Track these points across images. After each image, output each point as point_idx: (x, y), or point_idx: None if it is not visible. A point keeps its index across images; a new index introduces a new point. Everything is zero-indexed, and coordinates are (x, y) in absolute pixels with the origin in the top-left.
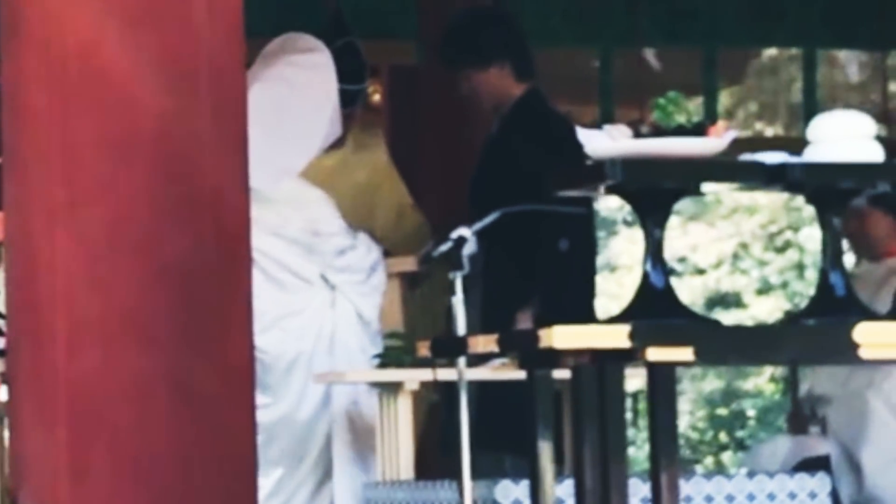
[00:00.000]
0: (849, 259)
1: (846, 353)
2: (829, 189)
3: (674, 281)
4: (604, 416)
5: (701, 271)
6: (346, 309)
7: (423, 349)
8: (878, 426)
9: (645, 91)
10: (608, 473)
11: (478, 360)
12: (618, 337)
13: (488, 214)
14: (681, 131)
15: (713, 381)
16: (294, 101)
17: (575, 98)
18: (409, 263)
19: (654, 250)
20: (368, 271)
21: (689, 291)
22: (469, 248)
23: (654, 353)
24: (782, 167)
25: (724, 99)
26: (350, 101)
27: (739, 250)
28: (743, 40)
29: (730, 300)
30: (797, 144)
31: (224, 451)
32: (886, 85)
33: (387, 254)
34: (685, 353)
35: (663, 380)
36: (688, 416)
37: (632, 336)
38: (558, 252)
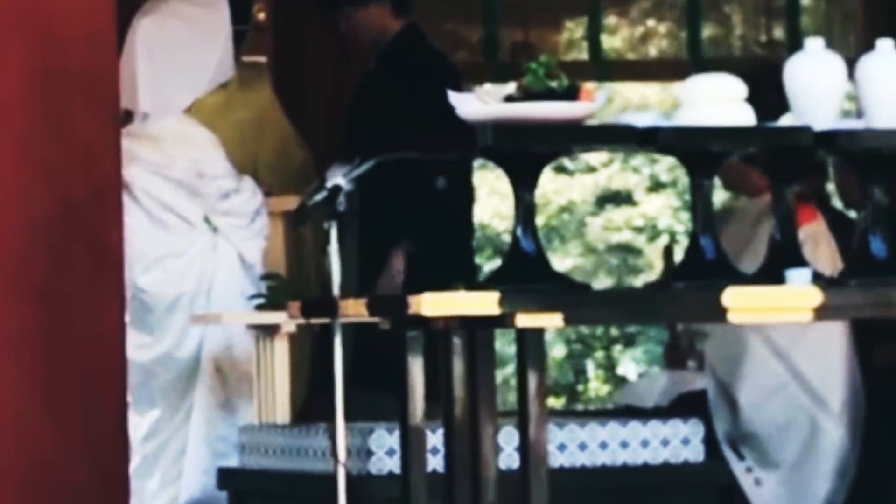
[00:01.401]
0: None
1: (715, 316)
2: (700, 152)
3: (565, 179)
4: (474, 378)
5: (592, 169)
6: (228, 252)
7: (294, 310)
8: (755, 362)
9: (529, 12)
10: (479, 429)
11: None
12: (487, 304)
13: (365, 152)
14: (551, 95)
15: (604, 279)
16: (184, 36)
17: (459, 20)
18: (292, 203)
19: (525, 214)
20: (252, 215)
21: (581, 190)
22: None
23: (524, 319)
24: (654, 131)
25: None
26: (236, 41)
27: None
28: None
29: (620, 198)
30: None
31: (93, 399)
32: None
33: (269, 193)
34: (555, 319)
35: (533, 344)
36: None
37: (501, 303)
38: (435, 190)
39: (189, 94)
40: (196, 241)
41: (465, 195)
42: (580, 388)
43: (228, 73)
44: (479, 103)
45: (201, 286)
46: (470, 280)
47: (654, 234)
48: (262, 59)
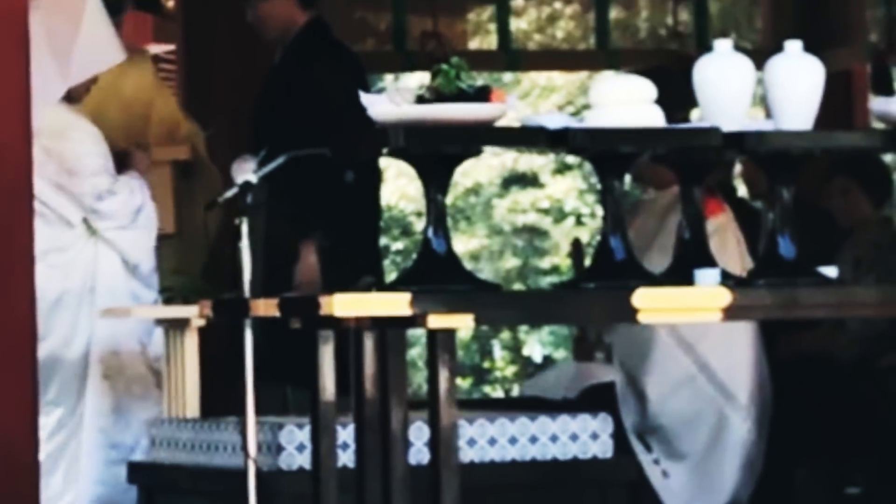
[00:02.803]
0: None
1: (625, 317)
2: (611, 153)
3: (471, 161)
4: (385, 376)
5: (498, 151)
6: (108, 256)
7: (206, 309)
8: (662, 354)
9: (437, 0)
10: (389, 425)
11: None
12: (399, 305)
13: (272, 145)
14: (463, 97)
15: (510, 260)
16: (38, 26)
17: (368, 8)
18: (181, 152)
19: (436, 215)
20: (133, 215)
21: (487, 171)
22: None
23: (435, 320)
24: (564, 132)
25: None
26: (114, 9)
27: None
28: None
29: (527, 179)
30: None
31: (3, 399)
32: None
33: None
34: (466, 320)
35: (444, 344)
36: None
37: (413, 304)
38: (343, 184)
39: (59, 84)
40: (77, 239)
41: (374, 182)
42: (486, 365)
43: (107, 60)
44: (391, 104)
45: (86, 283)
46: (377, 273)
47: (560, 216)
48: (171, 46)
